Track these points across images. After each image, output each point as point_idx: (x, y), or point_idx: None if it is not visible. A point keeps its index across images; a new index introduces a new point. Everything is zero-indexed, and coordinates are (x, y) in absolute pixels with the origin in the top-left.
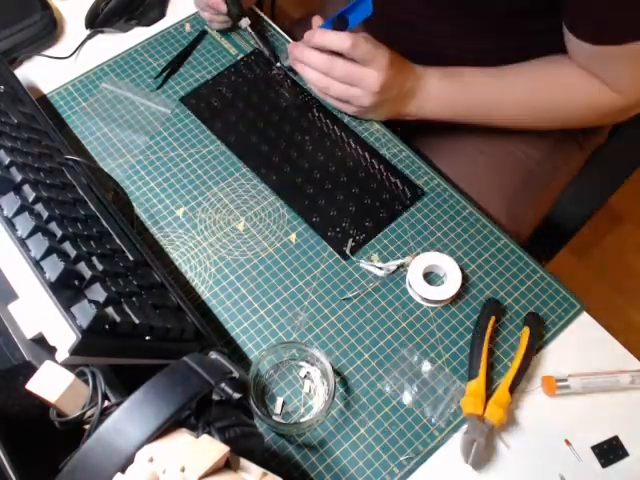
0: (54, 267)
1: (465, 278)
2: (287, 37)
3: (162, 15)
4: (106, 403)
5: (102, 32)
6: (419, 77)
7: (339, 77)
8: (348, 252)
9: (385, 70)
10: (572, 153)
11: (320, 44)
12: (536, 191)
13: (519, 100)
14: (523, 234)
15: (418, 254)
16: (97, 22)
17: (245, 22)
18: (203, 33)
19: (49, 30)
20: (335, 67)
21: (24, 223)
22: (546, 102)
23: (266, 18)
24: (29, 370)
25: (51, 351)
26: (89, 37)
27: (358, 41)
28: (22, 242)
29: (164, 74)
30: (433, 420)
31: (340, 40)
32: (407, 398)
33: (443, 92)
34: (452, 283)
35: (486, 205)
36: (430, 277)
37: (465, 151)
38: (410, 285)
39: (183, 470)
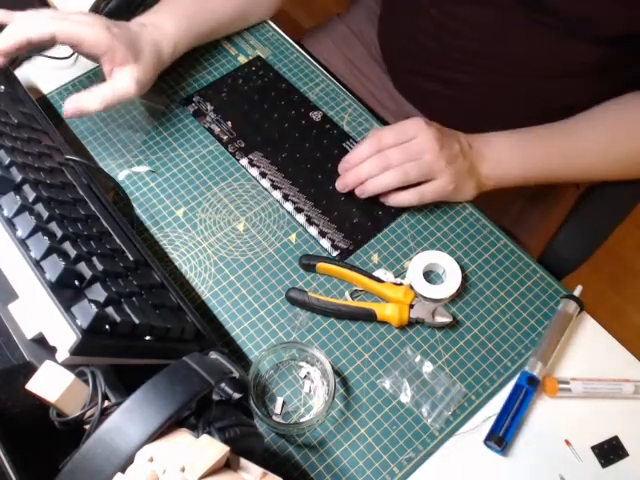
0: (54, 267)
1: (465, 278)
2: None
3: None
4: (106, 403)
5: None
6: (478, 137)
7: (399, 159)
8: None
9: (426, 126)
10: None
11: (357, 161)
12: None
13: (600, 150)
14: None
15: (418, 253)
16: None
17: None
18: None
19: None
20: (389, 155)
21: (24, 223)
22: (632, 150)
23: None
24: (29, 370)
25: (51, 351)
26: None
27: (380, 132)
28: (22, 242)
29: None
30: (433, 420)
31: (369, 145)
32: (407, 398)
33: (515, 148)
34: (452, 281)
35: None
36: (430, 277)
37: None
38: (410, 285)
39: (183, 470)
